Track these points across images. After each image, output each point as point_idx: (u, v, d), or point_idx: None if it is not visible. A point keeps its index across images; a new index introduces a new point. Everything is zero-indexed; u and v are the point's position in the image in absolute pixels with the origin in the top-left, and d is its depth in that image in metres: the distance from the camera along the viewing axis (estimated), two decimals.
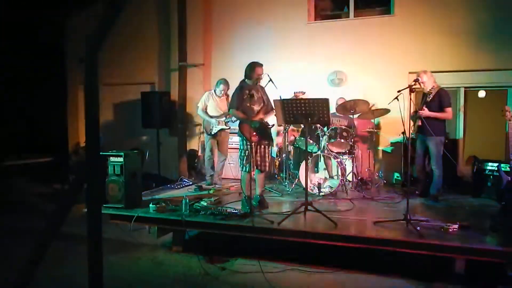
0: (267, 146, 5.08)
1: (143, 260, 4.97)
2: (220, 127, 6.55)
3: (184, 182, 7.00)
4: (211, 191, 6.23)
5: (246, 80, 5.13)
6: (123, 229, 5.26)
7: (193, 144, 8.39)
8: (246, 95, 4.93)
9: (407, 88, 4.62)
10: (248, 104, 4.94)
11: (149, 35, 8.73)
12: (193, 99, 8.19)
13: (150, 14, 8.64)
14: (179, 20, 8.14)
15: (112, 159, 5.24)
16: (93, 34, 3.32)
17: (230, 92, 6.49)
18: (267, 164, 5.14)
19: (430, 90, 5.51)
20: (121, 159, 5.23)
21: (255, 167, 5.06)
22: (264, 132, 5.07)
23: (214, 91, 6.71)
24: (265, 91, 5.21)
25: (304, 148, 6.43)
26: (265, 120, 5.09)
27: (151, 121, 8.01)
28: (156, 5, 8.67)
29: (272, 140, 5.24)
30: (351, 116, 6.35)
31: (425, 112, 5.36)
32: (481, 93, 6.98)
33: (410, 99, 4.56)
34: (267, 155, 5.10)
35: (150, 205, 5.06)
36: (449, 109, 5.46)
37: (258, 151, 5.06)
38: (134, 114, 8.55)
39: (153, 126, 8.05)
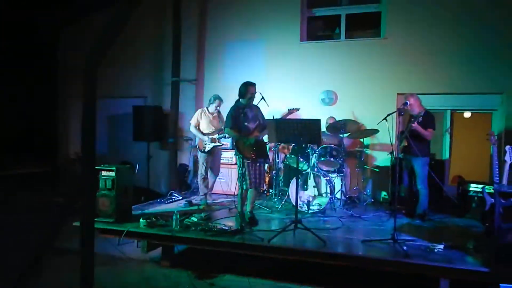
0: (263, 164, 5.18)
1: (131, 275, 4.97)
2: (213, 144, 6.58)
3: (174, 197, 7.02)
4: (200, 207, 6.27)
5: (240, 99, 5.25)
6: (112, 243, 5.26)
7: (184, 159, 8.43)
8: (241, 114, 5.03)
9: (395, 112, 4.76)
10: (243, 123, 5.05)
11: (142, 49, 8.82)
12: (185, 114, 8.26)
13: (144, 28, 8.73)
14: (173, 36, 8.24)
15: (103, 173, 5.27)
16: (93, 50, 3.39)
17: (222, 109, 6.62)
18: (264, 182, 5.24)
19: (417, 112, 5.66)
20: (112, 174, 5.26)
21: (251, 184, 5.13)
22: (260, 149, 5.17)
23: (207, 108, 6.73)
24: (260, 109, 5.33)
25: (294, 165, 6.54)
26: (261, 138, 5.19)
27: (142, 135, 8.05)
28: (151, 19, 8.77)
29: (267, 157, 5.34)
30: (341, 135, 6.47)
31: (415, 125, 5.47)
32: (467, 114, 7.19)
33: (399, 121, 4.69)
34: (263, 173, 5.21)
35: (141, 220, 5.09)
36: (430, 130, 5.60)
37: (254, 169, 5.14)
38: (125, 128, 8.58)
39: (144, 140, 8.09)
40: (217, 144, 6.59)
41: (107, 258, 5.34)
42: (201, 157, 6.65)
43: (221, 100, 6.65)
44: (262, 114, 5.36)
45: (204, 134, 6.60)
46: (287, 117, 5.21)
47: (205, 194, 6.69)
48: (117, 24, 3.33)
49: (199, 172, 6.72)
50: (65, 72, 9.63)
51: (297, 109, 5.24)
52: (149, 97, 8.89)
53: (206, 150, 6.52)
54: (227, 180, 7.48)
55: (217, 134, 6.60)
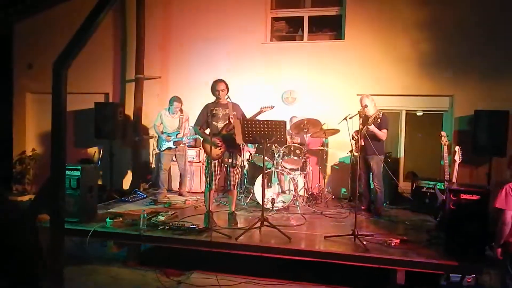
0: (230, 165, 5.20)
1: (98, 274, 4.95)
2: (168, 145, 6.78)
3: (139, 195, 7.01)
4: (166, 205, 6.31)
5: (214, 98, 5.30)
6: (75, 242, 5.22)
7: (147, 157, 8.40)
8: (210, 112, 5.10)
9: (356, 114, 5.06)
10: (212, 121, 5.11)
11: (105, 44, 8.64)
12: (148, 112, 8.22)
13: (107, 24, 8.57)
14: (137, 32, 8.15)
15: (68, 172, 5.19)
16: (63, 53, 3.38)
17: (192, 108, 6.75)
18: (232, 182, 5.24)
19: (372, 113, 5.96)
20: (77, 173, 5.22)
21: (215, 186, 5.22)
22: (228, 149, 5.20)
23: (169, 108, 6.89)
24: (238, 107, 5.34)
25: (259, 164, 6.72)
26: (228, 137, 5.19)
27: (104, 132, 7.93)
28: (114, 15, 8.61)
29: (238, 154, 5.41)
30: (304, 134, 6.70)
31: (372, 127, 5.78)
32: (419, 112, 7.65)
33: (360, 124, 4.95)
34: (231, 173, 5.22)
35: (107, 219, 5.08)
36: (385, 131, 5.94)
37: (219, 169, 5.21)
38: (86, 124, 8.41)
39: (106, 137, 7.97)
40: (171, 146, 6.76)
41: (73, 258, 5.27)
42: (161, 155, 6.97)
43: (179, 102, 6.81)
44: (239, 112, 5.30)
45: (164, 132, 6.81)
46: (259, 116, 5.26)
47: (165, 189, 7.00)
48: (88, 29, 3.34)
49: (160, 168, 7.00)
50: (20, 67, 9.26)
51: (271, 107, 5.27)
52: (111, 94, 8.74)
53: (161, 149, 6.77)
54: (191, 178, 7.56)
55: (174, 136, 6.77)
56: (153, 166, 8.30)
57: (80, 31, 3.39)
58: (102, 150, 8.21)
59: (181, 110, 6.94)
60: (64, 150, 3.57)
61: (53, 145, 3.50)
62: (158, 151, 7.00)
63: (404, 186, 7.22)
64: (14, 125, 9.35)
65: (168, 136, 6.81)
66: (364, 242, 4.58)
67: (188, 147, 7.33)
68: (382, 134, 5.90)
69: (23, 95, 9.30)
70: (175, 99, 6.86)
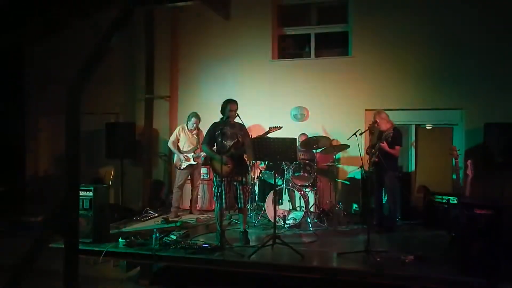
0: (240, 183, 5.22)
1: None
2: (188, 163, 6.81)
3: (150, 214, 7.03)
4: (178, 224, 6.31)
5: (222, 117, 5.35)
6: (87, 263, 5.23)
7: (158, 175, 8.44)
8: (218, 131, 5.15)
9: (366, 130, 5.04)
10: (221, 140, 5.15)
11: (115, 65, 8.78)
12: (158, 130, 8.31)
13: (117, 45, 8.71)
14: (146, 52, 8.31)
15: (81, 193, 5.24)
16: (77, 76, 3.46)
17: (201, 126, 6.84)
18: (242, 200, 5.25)
19: (385, 128, 5.96)
20: (90, 194, 5.25)
21: (225, 204, 5.22)
22: (237, 167, 5.21)
23: (187, 125, 6.95)
24: (244, 127, 5.38)
25: (270, 181, 6.72)
26: (236, 156, 5.20)
27: (115, 152, 8.00)
28: (124, 36, 8.76)
29: (247, 173, 5.42)
30: (314, 151, 6.70)
31: (384, 145, 5.77)
32: (428, 126, 7.63)
33: (370, 139, 4.95)
34: (241, 191, 5.22)
35: (120, 239, 5.09)
36: (398, 148, 5.93)
37: (231, 187, 5.22)
38: (97, 144, 8.50)
39: (117, 157, 8.04)
40: (193, 162, 6.80)
41: (85, 279, 5.28)
42: (178, 173, 6.96)
43: (198, 118, 6.88)
44: (245, 132, 5.35)
45: (182, 151, 6.83)
46: (268, 135, 5.29)
47: (177, 208, 6.97)
48: (102, 52, 3.42)
49: (174, 186, 6.98)
50: (32, 88, 9.43)
51: (280, 128, 5.34)
52: (121, 114, 8.85)
53: (181, 168, 6.78)
54: (203, 196, 7.57)
55: (192, 153, 6.80)
56: (164, 184, 8.34)
57: (93, 55, 3.47)
58: (112, 170, 8.28)
59: (198, 128, 7.00)
60: (78, 171, 3.62)
61: (68, 166, 3.55)
62: (178, 169, 6.94)
63: (416, 201, 7.15)
64: (28, 146, 9.48)
65: (188, 156, 6.82)
66: (378, 259, 4.53)
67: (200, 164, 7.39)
68: (395, 151, 5.88)
69: (35, 116, 9.45)
70: (194, 115, 6.93)
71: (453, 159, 5.33)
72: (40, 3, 7.81)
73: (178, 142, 6.95)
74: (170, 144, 6.99)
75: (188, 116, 6.96)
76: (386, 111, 6.57)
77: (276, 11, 8.27)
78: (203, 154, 6.82)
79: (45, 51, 9.11)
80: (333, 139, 6.94)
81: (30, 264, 3.67)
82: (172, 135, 7.02)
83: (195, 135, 6.94)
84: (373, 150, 5.90)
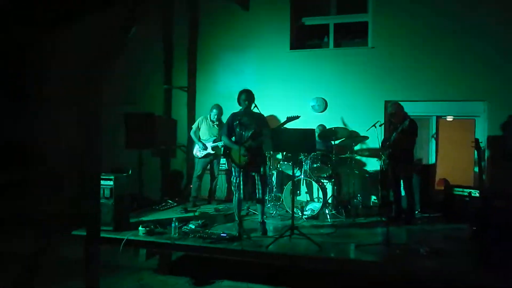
0: (258, 173, 5.23)
1: (129, 283, 5.04)
2: (206, 151, 6.86)
3: (169, 204, 7.11)
4: (196, 213, 6.37)
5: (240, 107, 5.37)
6: (108, 251, 5.32)
7: (177, 166, 8.52)
8: (236, 121, 5.16)
9: (382, 124, 4.99)
10: (239, 130, 5.16)
11: (133, 55, 8.84)
12: (177, 121, 8.36)
13: (135, 36, 8.77)
14: (164, 43, 8.35)
15: (101, 182, 5.32)
16: (99, 66, 3.49)
17: (223, 118, 6.89)
18: (261, 191, 5.25)
19: (400, 120, 5.88)
20: (111, 182, 5.33)
21: (242, 194, 5.24)
22: (254, 158, 5.20)
23: (210, 115, 7.05)
24: (262, 117, 5.38)
25: (287, 172, 6.72)
26: (254, 146, 5.16)
27: (134, 142, 8.07)
28: (141, 27, 8.80)
29: (265, 163, 5.41)
30: (332, 142, 6.66)
31: (399, 136, 5.70)
32: (449, 118, 7.49)
33: (390, 129, 4.87)
34: (259, 182, 5.23)
35: (140, 228, 5.16)
36: (414, 139, 5.89)
37: (248, 178, 5.24)
38: (117, 134, 8.59)
39: (136, 147, 8.12)
40: (211, 151, 6.84)
41: (104, 267, 5.39)
42: (197, 162, 7.06)
43: (219, 109, 6.94)
44: (263, 122, 5.33)
45: (200, 140, 6.92)
46: (285, 125, 5.26)
47: (195, 197, 7.01)
48: (122, 41, 3.45)
49: (193, 176, 7.05)
50: (48, 79, 9.54)
51: (297, 117, 5.27)
52: (140, 104, 8.91)
53: (199, 156, 6.85)
54: (221, 186, 7.61)
55: (212, 142, 6.86)
56: (183, 174, 8.41)
57: (113, 46, 3.50)
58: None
59: (219, 120, 7.04)
60: (99, 160, 3.67)
61: (89, 156, 3.60)
62: (196, 158, 7.04)
63: (436, 193, 7.06)
64: (40, 137, 9.57)
65: (205, 143, 6.89)
66: (397, 251, 4.50)
67: (219, 154, 7.43)
68: (410, 142, 5.81)
69: (51, 108, 9.55)
70: (215, 107, 7.05)
71: (475, 152, 5.22)
72: None
73: (199, 131, 7.05)
74: (192, 133, 7.11)
75: (211, 107, 7.05)
76: (407, 103, 6.49)
77: (295, 1, 8.17)
78: (221, 144, 6.85)
79: (62, 42, 9.19)
80: (351, 130, 6.85)
81: (48, 251, 3.75)
82: (194, 124, 7.17)
83: (216, 126, 7.01)
84: (387, 143, 5.85)
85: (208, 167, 7.13)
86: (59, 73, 9.17)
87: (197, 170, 7.02)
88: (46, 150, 9.57)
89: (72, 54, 8.84)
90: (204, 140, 6.99)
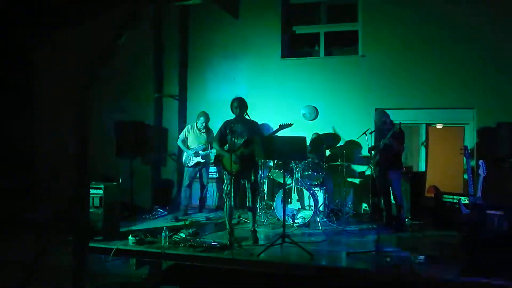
0: (249, 182, 5.20)
1: None
2: (196, 159, 6.82)
3: (159, 212, 7.06)
4: (187, 222, 6.33)
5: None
6: (98, 260, 5.25)
7: (167, 174, 8.47)
8: (228, 128, 5.15)
9: (375, 130, 5.02)
10: (231, 138, 5.16)
11: (124, 64, 8.81)
12: (168, 129, 8.34)
13: (126, 43, 8.75)
14: (155, 51, 8.34)
15: (91, 190, 5.27)
16: (89, 75, 3.47)
17: (210, 125, 6.86)
18: (252, 199, 5.23)
19: (387, 127, 5.93)
20: (100, 191, 5.29)
21: (233, 202, 5.22)
22: (246, 166, 5.18)
23: (196, 123, 6.98)
24: (255, 124, 5.36)
25: (278, 180, 6.71)
26: (246, 153, 5.15)
27: (124, 150, 8.02)
28: (132, 35, 8.79)
29: (257, 171, 5.39)
30: (323, 149, 6.67)
31: (390, 141, 5.74)
32: (439, 125, 7.56)
33: (385, 137, 4.90)
34: (250, 190, 5.21)
35: (130, 237, 5.11)
36: (402, 146, 5.95)
37: (240, 186, 5.22)
38: (107, 143, 8.53)
39: (127, 155, 8.07)
40: (200, 160, 6.82)
41: (94, 276, 5.31)
42: (186, 170, 6.99)
43: (206, 117, 6.88)
44: (257, 129, 5.31)
45: (190, 148, 6.87)
46: (278, 133, 5.25)
47: (186, 206, 6.97)
48: (111, 50, 3.44)
49: (183, 185, 7.01)
50: (41, 86, 9.49)
51: (290, 125, 5.27)
52: (130, 112, 8.87)
53: (189, 165, 6.81)
54: (212, 195, 7.58)
55: (201, 151, 6.82)
56: (173, 183, 8.36)
57: (104, 53, 3.49)
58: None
59: (207, 127, 7.01)
60: (88, 169, 3.64)
61: (78, 164, 3.57)
62: (186, 167, 6.97)
63: (426, 200, 7.09)
64: (35, 143, 9.52)
65: (197, 152, 6.85)
66: (388, 259, 4.50)
67: (209, 163, 7.41)
68: (399, 148, 5.86)
69: (43, 114, 9.49)
70: (202, 114, 6.96)
71: (465, 159, 5.26)
72: (48, 2, 7.89)
73: (187, 140, 7.00)
74: (179, 142, 7.04)
75: (198, 115, 6.99)
76: (397, 110, 6.55)
77: (286, 10, 8.24)
78: (211, 152, 6.84)
79: (53, 49, 9.16)
80: (342, 138, 6.88)
81: (40, 260, 3.70)
82: (181, 134, 7.08)
83: (203, 134, 6.95)
84: (375, 150, 5.89)
85: (197, 175, 7.09)
86: (52, 77, 9.13)
87: (185, 179, 6.98)
88: (40, 158, 9.51)
89: (63, 60, 8.81)
90: (193, 149, 6.94)
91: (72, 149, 3.38)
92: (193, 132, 6.98)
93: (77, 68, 3.61)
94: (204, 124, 6.94)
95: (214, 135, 6.89)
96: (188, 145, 6.98)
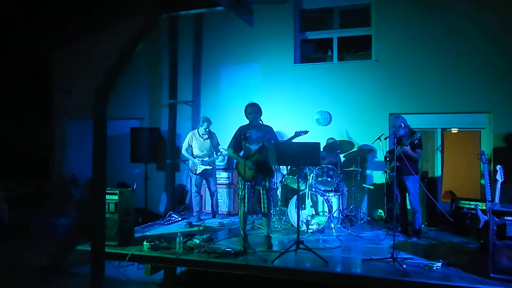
0: (263, 188, 5.19)
1: None
2: (203, 167, 6.85)
3: (173, 218, 7.09)
4: (201, 228, 6.35)
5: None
6: (113, 265, 5.30)
7: (181, 180, 8.52)
8: (243, 134, 5.17)
9: (390, 135, 4.96)
10: (245, 144, 5.17)
11: (139, 71, 8.93)
12: (182, 135, 8.40)
13: (141, 51, 8.87)
14: (170, 58, 8.42)
15: (107, 196, 5.33)
16: (105, 81, 3.52)
17: (216, 129, 6.98)
18: (266, 205, 5.21)
19: (404, 133, 5.86)
20: (115, 197, 5.34)
21: (248, 208, 5.21)
22: (263, 171, 5.19)
23: (198, 130, 6.99)
24: (271, 130, 5.36)
25: (292, 185, 6.70)
26: (261, 160, 5.15)
27: (139, 156, 8.11)
28: (147, 42, 8.92)
29: (272, 177, 5.39)
30: (338, 155, 6.64)
31: (407, 148, 5.68)
32: (454, 130, 7.47)
33: (394, 144, 4.87)
34: (264, 196, 5.19)
35: (144, 242, 5.15)
36: (419, 151, 5.86)
37: (252, 192, 5.21)
38: (122, 149, 8.63)
39: (142, 161, 8.15)
40: (208, 166, 6.84)
41: (109, 281, 5.36)
42: (194, 178, 7.08)
43: (208, 121, 6.90)
44: (272, 135, 5.32)
45: (195, 156, 6.88)
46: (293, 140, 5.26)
47: (198, 213, 7.01)
48: (128, 58, 3.48)
49: (193, 194, 7.12)
50: (60, 93, 9.69)
51: (306, 132, 5.27)
52: (146, 119, 8.98)
53: (196, 173, 6.84)
54: (224, 200, 7.59)
55: (208, 158, 6.84)
56: (187, 188, 8.42)
57: (120, 60, 3.54)
58: None
59: (209, 131, 7.04)
60: (104, 175, 3.68)
61: (95, 170, 3.61)
62: (193, 174, 7.02)
63: (442, 206, 7.00)
64: (56, 148, 9.73)
65: (204, 160, 6.87)
66: (404, 266, 4.44)
67: (219, 169, 7.43)
68: (416, 155, 5.80)
69: (62, 121, 9.70)
70: (205, 119, 6.96)
71: (481, 164, 5.19)
72: (67, 11, 8.06)
73: (191, 148, 7.00)
74: (184, 151, 7.06)
75: (201, 121, 6.99)
76: (411, 115, 6.49)
77: (299, 16, 8.25)
78: (216, 158, 6.89)
79: (72, 57, 9.36)
80: (356, 143, 6.84)
81: (58, 263, 3.75)
82: (184, 143, 7.08)
83: (207, 140, 6.96)
84: (391, 156, 5.83)
85: (204, 182, 7.11)
86: (69, 88, 9.35)
87: (196, 185, 7.03)
88: (59, 163, 9.70)
89: (81, 69, 9.01)
90: (200, 157, 6.94)
91: (89, 156, 3.45)
92: (196, 139, 6.99)
93: (94, 75, 3.67)
94: (206, 130, 6.94)
95: (218, 138, 6.98)
96: (193, 152, 6.99)
